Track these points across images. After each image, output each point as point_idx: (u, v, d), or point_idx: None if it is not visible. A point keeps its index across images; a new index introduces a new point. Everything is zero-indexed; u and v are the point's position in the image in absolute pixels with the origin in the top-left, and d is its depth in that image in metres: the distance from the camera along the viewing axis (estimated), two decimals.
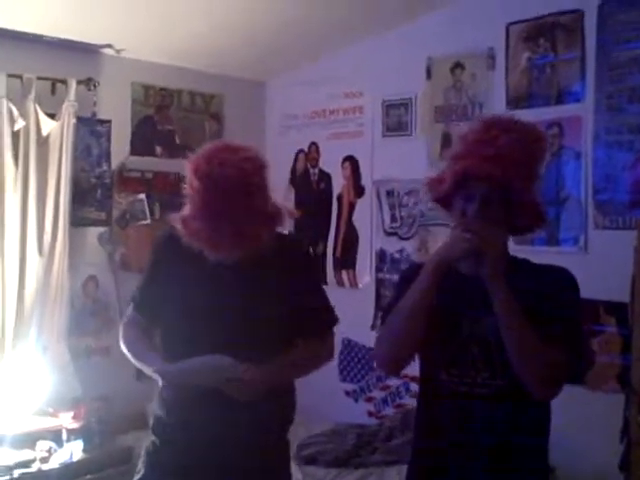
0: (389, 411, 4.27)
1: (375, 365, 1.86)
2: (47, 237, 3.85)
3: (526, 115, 3.66)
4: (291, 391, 2.18)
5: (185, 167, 1.95)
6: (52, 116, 3.88)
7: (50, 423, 3.58)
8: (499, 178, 1.73)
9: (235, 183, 1.87)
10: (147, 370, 2.05)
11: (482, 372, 1.77)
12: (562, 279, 1.83)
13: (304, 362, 2.15)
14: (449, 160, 1.86)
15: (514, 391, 1.73)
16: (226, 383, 1.90)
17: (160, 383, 1.99)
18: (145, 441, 2.17)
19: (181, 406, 2.02)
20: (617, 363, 3.31)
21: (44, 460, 3.35)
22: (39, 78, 3.81)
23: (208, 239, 1.90)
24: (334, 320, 2.20)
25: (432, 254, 1.88)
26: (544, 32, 3.71)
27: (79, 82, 3.96)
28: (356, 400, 4.47)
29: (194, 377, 1.93)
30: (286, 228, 2.12)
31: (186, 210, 1.96)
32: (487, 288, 1.72)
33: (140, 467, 2.12)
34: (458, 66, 4.06)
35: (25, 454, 3.35)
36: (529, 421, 1.80)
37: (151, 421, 2.16)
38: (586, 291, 3.38)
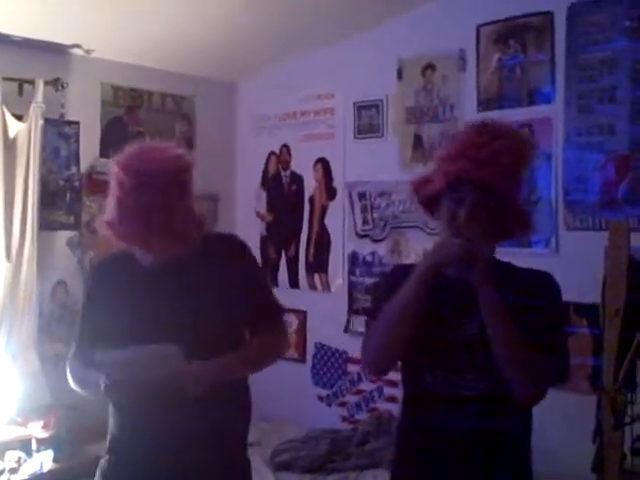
0: (363, 416, 4.25)
1: (364, 367, 1.86)
2: (15, 241, 3.79)
3: (497, 116, 3.69)
4: (245, 390, 2.15)
5: (110, 168, 1.93)
6: (19, 117, 3.82)
7: (19, 433, 3.53)
8: (491, 182, 1.72)
9: (167, 179, 1.88)
10: (94, 389, 1.95)
11: (467, 374, 1.77)
12: (547, 285, 1.83)
13: (256, 357, 2.12)
14: (438, 161, 1.84)
15: (498, 394, 1.73)
16: (171, 375, 1.85)
17: (102, 384, 1.89)
18: (100, 459, 2.12)
19: (127, 415, 1.99)
20: (588, 364, 3.32)
21: (13, 471, 3.30)
22: (5, 79, 3.76)
23: (138, 237, 1.89)
24: (281, 311, 2.20)
25: (422, 258, 1.87)
26: (514, 33, 3.72)
27: (47, 83, 3.90)
28: (329, 405, 4.45)
29: (135, 365, 1.85)
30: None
31: (110, 214, 1.92)
32: (475, 292, 1.72)
33: None
34: (429, 67, 4.06)
35: None
36: (513, 423, 1.80)
37: (107, 441, 2.11)
38: None
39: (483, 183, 1.72)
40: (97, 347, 2.01)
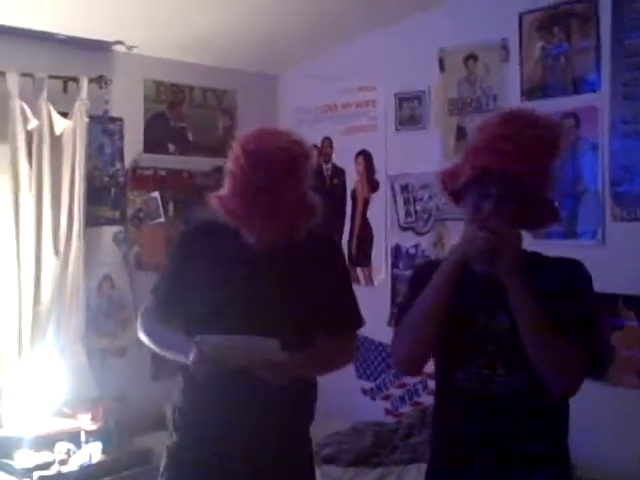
0: (406, 409, 4.23)
1: (394, 366, 1.86)
2: (62, 237, 3.85)
3: (541, 106, 3.65)
4: (314, 385, 2.17)
5: (233, 145, 1.98)
6: (64, 115, 3.88)
7: (68, 425, 3.59)
8: (518, 175, 1.70)
9: (281, 162, 1.91)
10: (174, 353, 2.03)
11: (498, 369, 1.75)
12: (577, 272, 1.80)
13: (326, 359, 2.15)
14: (465, 153, 1.83)
15: (532, 388, 1.72)
16: (266, 364, 1.88)
17: (190, 360, 1.93)
18: (166, 441, 2.15)
19: (203, 391, 2.01)
20: (637, 357, 3.27)
21: (63, 462, 3.35)
22: (51, 77, 3.80)
23: (244, 216, 1.93)
24: (359, 322, 2.20)
25: (448, 252, 1.86)
26: (558, 21, 3.65)
27: (91, 80, 3.94)
28: (373, 398, 4.44)
29: (235, 350, 1.88)
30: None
31: (224, 189, 1.98)
32: (503, 285, 1.70)
33: (164, 468, 2.12)
34: (471, 57, 4.01)
35: (44, 456, 3.36)
36: (548, 418, 1.78)
37: (171, 417, 2.14)
38: (604, 285, 3.36)
39: (509, 176, 1.70)
40: (175, 309, 2.08)
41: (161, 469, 2.13)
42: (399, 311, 1.93)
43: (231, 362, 1.88)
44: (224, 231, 2.07)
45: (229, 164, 1.97)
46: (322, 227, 2.11)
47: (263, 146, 1.92)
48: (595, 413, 3.34)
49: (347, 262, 4.53)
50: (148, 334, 2.13)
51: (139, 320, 2.18)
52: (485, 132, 1.80)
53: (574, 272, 1.80)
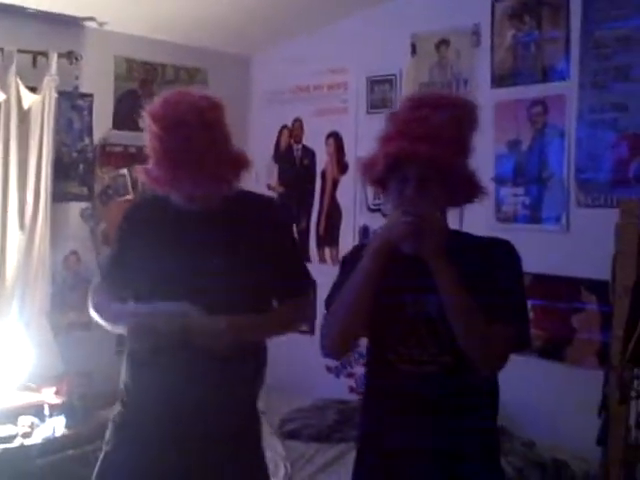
0: None
1: (321, 350, 1.85)
2: (28, 212, 3.82)
3: (511, 93, 3.72)
4: (263, 351, 2.17)
5: (144, 114, 1.98)
6: (33, 89, 3.84)
7: (32, 398, 3.58)
8: (432, 158, 1.71)
9: (191, 119, 1.91)
10: (121, 324, 2.02)
11: (429, 349, 1.77)
12: (505, 252, 1.82)
13: (278, 321, 2.16)
14: (379, 142, 1.82)
15: (461, 366, 1.74)
16: (190, 328, 1.89)
17: (126, 329, 1.95)
18: (113, 412, 2.15)
19: (145, 365, 2.01)
20: (597, 340, 3.35)
21: (26, 435, 3.34)
22: (20, 51, 3.76)
23: (170, 180, 1.94)
24: (310, 283, 2.21)
25: (372, 237, 1.85)
26: (529, 9, 3.70)
27: (61, 55, 3.91)
28: (337, 376, 4.48)
29: (160, 318, 1.90)
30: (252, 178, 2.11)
31: (149, 162, 1.99)
32: (429, 267, 1.72)
33: (108, 439, 2.11)
34: (443, 43, 4.04)
35: (7, 429, 3.34)
36: (478, 395, 1.80)
37: (119, 391, 2.14)
38: (568, 269, 3.45)
39: (424, 159, 1.71)
40: (122, 286, 2.11)
41: (105, 439, 2.13)
42: (329, 296, 1.92)
43: (159, 330, 1.89)
44: (156, 203, 2.11)
45: (145, 134, 1.98)
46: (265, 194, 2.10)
47: (170, 109, 1.93)
48: (555, 393, 3.42)
49: (314, 242, 4.61)
50: (96, 310, 2.15)
51: (89, 298, 2.19)
52: (396, 118, 1.81)
53: (502, 251, 1.82)
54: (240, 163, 2.04)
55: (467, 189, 1.83)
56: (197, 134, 1.91)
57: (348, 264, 1.89)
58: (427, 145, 1.70)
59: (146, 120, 1.96)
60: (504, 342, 1.73)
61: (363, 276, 1.77)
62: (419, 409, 1.77)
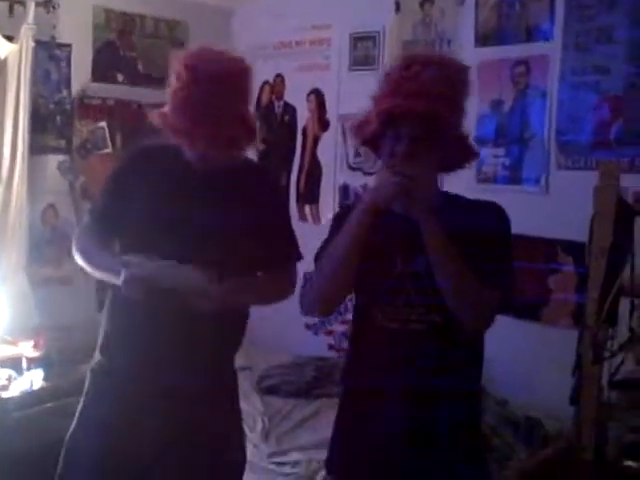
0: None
1: (306, 307, 1.86)
2: (5, 164, 3.78)
3: (494, 52, 3.70)
4: (245, 316, 2.18)
5: (174, 62, 1.97)
6: (10, 39, 3.77)
7: (10, 351, 3.58)
8: (425, 114, 1.70)
9: (222, 77, 1.92)
10: (107, 273, 2.01)
11: (417, 308, 1.78)
12: (494, 214, 1.83)
13: (265, 289, 2.17)
14: (373, 101, 1.81)
15: (448, 326, 1.75)
16: (193, 289, 1.89)
17: (120, 280, 1.92)
18: (92, 362, 2.14)
19: (129, 318, 2.01)
20: (572, 301, 3.39)
21: (4, 388, 3.35)
22: None
23: (185, 130, 1.92)
24: (298, 255, 2.21)
25: (362, 195, 1.85)
26: None
27: (38, 4, 3.83)
28: (316, 333, 4.52)
29: (161, 275, 1.89)
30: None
31: (166, 106, 1.97)
32: (419, 227, 1.72)
33: (87, 389, 2.12)
34: (427, 1, 4.00)
35: None
36: (463, 354, 1.82)
37: (99, 340, 2.13)
38: (546, 231, 3.47)
39: (417, 116, 1.70)
40: (112, 228, 2.08)
41: (84, 390, 2.13)
42: (318, 252, 1.91)
43: (160, 283, 1.89)
44: (166, 152, 2.07)
45: (171, 80, 1.96)
46: (263, 163, 2.11)
47: (205, 62, 1.93)
48: (531, 353, 3.47)
49: (294, 199, 4.59)
50: (81, 253, 2.11)
51: (74, 239, 2.16)
52: (389, 77, 1.80)
53: (491, 213, 1.83)
54: (253, 132, 2.03)
55: (459, 152, 1.82)
56: (224, 94, 1.91)
57: (338, 222, 1.88)
58: (420, 101, 1.69)
59: (177, 65, 1.94)
60: (490, 303, 1.75)
61: (351, 234, 1.77)
62: (405, 367, 1.78)
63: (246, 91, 2.01)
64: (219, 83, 1.90)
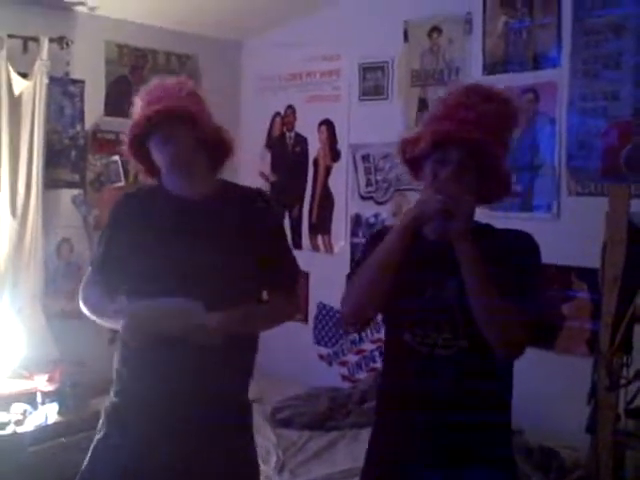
0: (363, 375, 4.30)
1: (343, 320, 1.90)
2: (20, 199, 3.82)
3: (502, 80, 3.71)
4: (253, 346, 2.18)
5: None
6: (24, 75, 3.83)
7: (25, 386, 3.58)
8: (476, 142, 1.74)
9: (166, 89, 2.05)
10: (110, 321, 2.05)
11: (444, 333, 1.79)
12: (525, 244, 1.84)
13: (269, 314, 2.18)
14: (426, 121, 1.86)
15: (476, 352, 1.76)
16: (191, 327, 1.91)
17: (120, 327, 1.96)
18: (106, 402, 2.15)
19: (139, 356, 2.02)
20: (587, 328, 3.36)
21: (19, 422, 3.35)
22: (10, 36, 3.75)
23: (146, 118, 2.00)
24: (298, 275, 2.25)
25: (403, 214, 1.88)
26: None
27: (51, 40, 3.89)
28: (330, 364, 4.51)
29: (157, 317, 1.92)
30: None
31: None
32: (454, 250, 1.74)
33: (100, 427, 2.12)
34: (435, 30, 4.04)
35: (0, 416, 3.35)
36: (491, 382, 1.82)
37: (114, 378, 2.14)
38: (558, 257, 3.46)
39: (468, 144, 1.74)
40: (113, 277, 2.11)
41: (98, 428, 2.13)
42: (353, 268, 1.96)
43: (157, 328, 1.92)
44: (153, 193, 2.13)
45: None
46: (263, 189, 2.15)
47: (155, 87, 2.07)
48: (546, 381, 3.44)
49: (307, 229, 4.61)
50: (86, 304, 2.15)
51: (80, 290, 2.19)
52: (447, 102, 1.84)
53: (523, 243, 1.84)
54: (220, 148, 2.13)
55: (499, 184, 1.85)
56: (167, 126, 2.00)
57: (373, 242, 1.91)
58: (474, 130, 1.73)
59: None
60: (523, 328, 1.75)
61: (388, 249, 1.80)
62: (433, 392, 1.79)
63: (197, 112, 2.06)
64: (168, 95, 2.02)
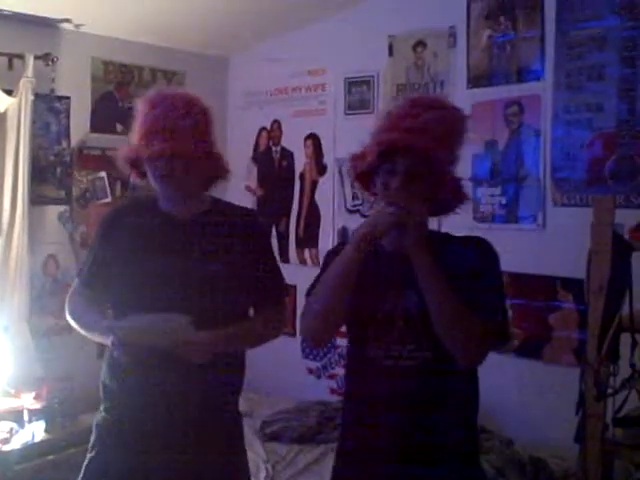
0: None
1: (303, 340, 1.88)
2: (6, 216, 3.80)
3: (487, 93, 3.74)
4: (241, 360, 2.18)
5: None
6: (9, 92, 3.82)
7: (11, 404, 3.56)
8: (421, 150, 1.73)
9: (175, 100, 2.03)
10: (98, 336, 2.04)
11: (408, 345, 1.79)
12: (483, 250, 1.85)
13: (258, 332, 2.17)
14: (373, 134, 1.85)
15: (440, 362, 1.75)
16: (179, 344, 1.91)
17: (110, 343, 1.96)
18: (96, 417, 2.14)
19: (128, 370, 2.01)
20: (574, 338, 3.38)
21: (5, 441, 3.33)
22: None
23: (151, 156, 1.98)
24: (286, 291, 2.27)
25: (357, 228, 1.87)
26: (505, 10, 3.73)
27: (37, 57, 3.89)
28: (319, 377, 4.50)
29: (147, 333, 1.92)
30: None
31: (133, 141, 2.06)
32: (410, 261, 1.73)
33: (92, 444, 2.11)
34: (420, 44, 4.07)
35: None
36: (456, 392, 1.82)
37: (101, 393, 2.13)
38: (544, 267, 3.48)
39: (415, 152, 1.73)
40: (101, 291, 2.11)
41: (89, 445, 2.12)
42: (311, 286, 1.93)
43: (146, 343, 1.91)
44: (142, 207, 2.13)
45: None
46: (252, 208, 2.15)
47: (161, 94, 2.05)
48: (533, 392, 3.45)
49: (294, 243, 4.61)
50: (73, 317, 2.15)
51: (67, 302, 2.19)
52: (392, 113, 1.84)
53: (480, 249, 1.84)
54: (223, 164, 2.13)
55: (451, 191, 1.84)
56: (182, 115, 1.99)
57: (330, 259, 1.90)
58: (419, 137, 1.73)
59: (139, 107, 2.03)
60: (483, 336, 1.74)
61: (345, 263, 1.78)
62: (400, 405, 1.79)
63: (203, 115, 2.09)
64: (174, 106, 1.99)
